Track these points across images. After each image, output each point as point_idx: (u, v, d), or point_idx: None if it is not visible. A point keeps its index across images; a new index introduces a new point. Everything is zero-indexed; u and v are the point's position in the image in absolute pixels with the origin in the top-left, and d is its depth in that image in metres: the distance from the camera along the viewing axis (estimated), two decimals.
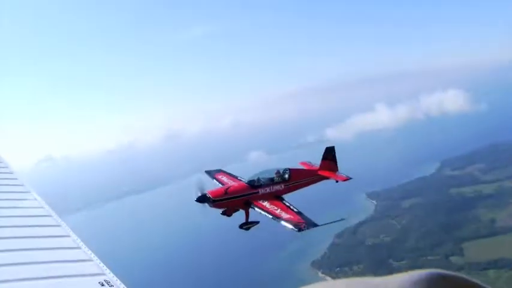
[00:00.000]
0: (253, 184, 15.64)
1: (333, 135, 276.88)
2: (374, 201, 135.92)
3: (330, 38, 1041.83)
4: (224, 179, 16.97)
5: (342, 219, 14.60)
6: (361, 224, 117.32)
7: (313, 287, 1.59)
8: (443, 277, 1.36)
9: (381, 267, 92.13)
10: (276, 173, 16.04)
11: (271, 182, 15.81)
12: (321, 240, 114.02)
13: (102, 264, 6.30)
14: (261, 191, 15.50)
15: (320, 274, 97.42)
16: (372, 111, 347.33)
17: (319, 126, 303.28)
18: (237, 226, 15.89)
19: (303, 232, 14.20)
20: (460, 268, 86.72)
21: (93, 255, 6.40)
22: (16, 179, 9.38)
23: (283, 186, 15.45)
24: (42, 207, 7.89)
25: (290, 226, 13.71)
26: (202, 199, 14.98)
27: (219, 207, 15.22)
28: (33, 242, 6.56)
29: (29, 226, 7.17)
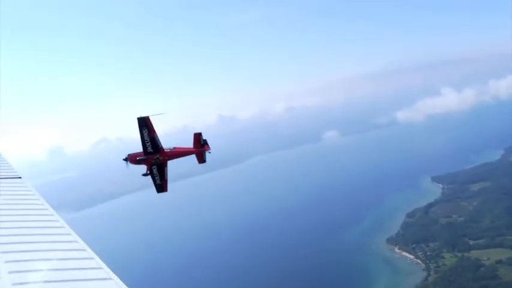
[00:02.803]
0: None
1: (404, 118, 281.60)
2: (440, 185, 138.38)
3: (397, 23, 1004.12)
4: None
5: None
6: (431, 205, 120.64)
7: None
8: None
9: (457, 245, 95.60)
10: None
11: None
12: (391, 219, 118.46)
13: None
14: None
15: (397, 250, 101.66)
16: (441, 95, 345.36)
17: (389, 108, 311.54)
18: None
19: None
20: None
21: (125, 286, 6.29)
22: (52, 214, 9.20)
23: (168, 150, 21.31)
24: (76, 241, 7.70)
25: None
26: (125, 159, 21.19)
27: (133, 160, 20.63)
28: (66, 275, 6.33)
29: (63, 259, 6.89)
